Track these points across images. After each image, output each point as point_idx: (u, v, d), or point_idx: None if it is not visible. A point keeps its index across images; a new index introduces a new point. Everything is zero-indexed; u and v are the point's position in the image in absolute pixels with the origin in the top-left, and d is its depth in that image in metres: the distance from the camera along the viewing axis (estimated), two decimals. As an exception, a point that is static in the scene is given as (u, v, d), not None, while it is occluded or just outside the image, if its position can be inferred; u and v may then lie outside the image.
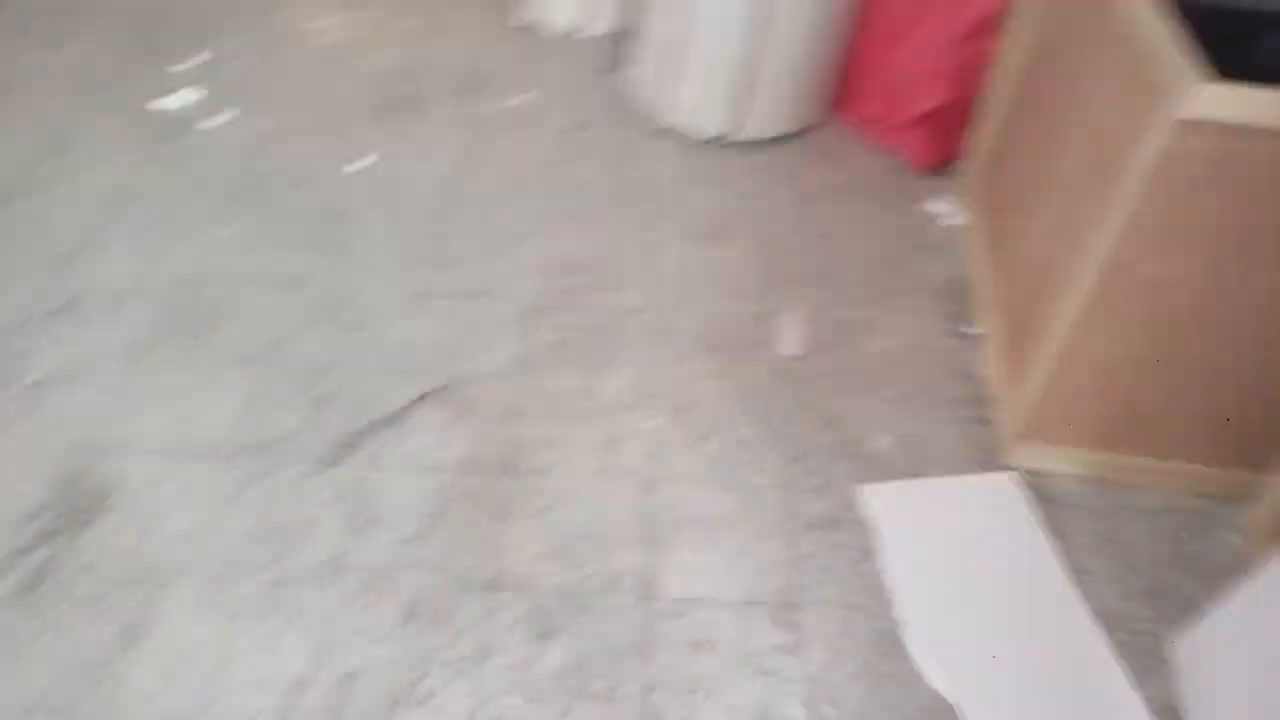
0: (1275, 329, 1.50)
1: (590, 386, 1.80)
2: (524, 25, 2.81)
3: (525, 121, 2.46)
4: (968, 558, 1.59)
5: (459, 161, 2.30)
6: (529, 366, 1.83)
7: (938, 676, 1.42)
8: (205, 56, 2.58)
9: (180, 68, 2.53)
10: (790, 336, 1.94)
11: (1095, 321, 1.53)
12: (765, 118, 2.40)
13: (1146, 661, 1.47)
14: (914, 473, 1.70)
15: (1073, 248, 1.59)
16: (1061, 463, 1.72)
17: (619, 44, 2.70)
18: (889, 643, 1.46)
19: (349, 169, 2.25)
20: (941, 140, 2.36)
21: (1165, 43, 1.36)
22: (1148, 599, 1.55)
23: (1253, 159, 1.33)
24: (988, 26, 2.18)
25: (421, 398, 1.74)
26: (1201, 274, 1.46)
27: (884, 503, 1.64)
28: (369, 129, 2.38)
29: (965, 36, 2.21)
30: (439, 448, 1.67)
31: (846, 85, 2.49)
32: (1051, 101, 1.83)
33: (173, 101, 2.41)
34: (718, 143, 2.42)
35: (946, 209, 2.29)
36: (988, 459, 1.74)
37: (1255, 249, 1.42)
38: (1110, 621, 1.51)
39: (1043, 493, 1.69)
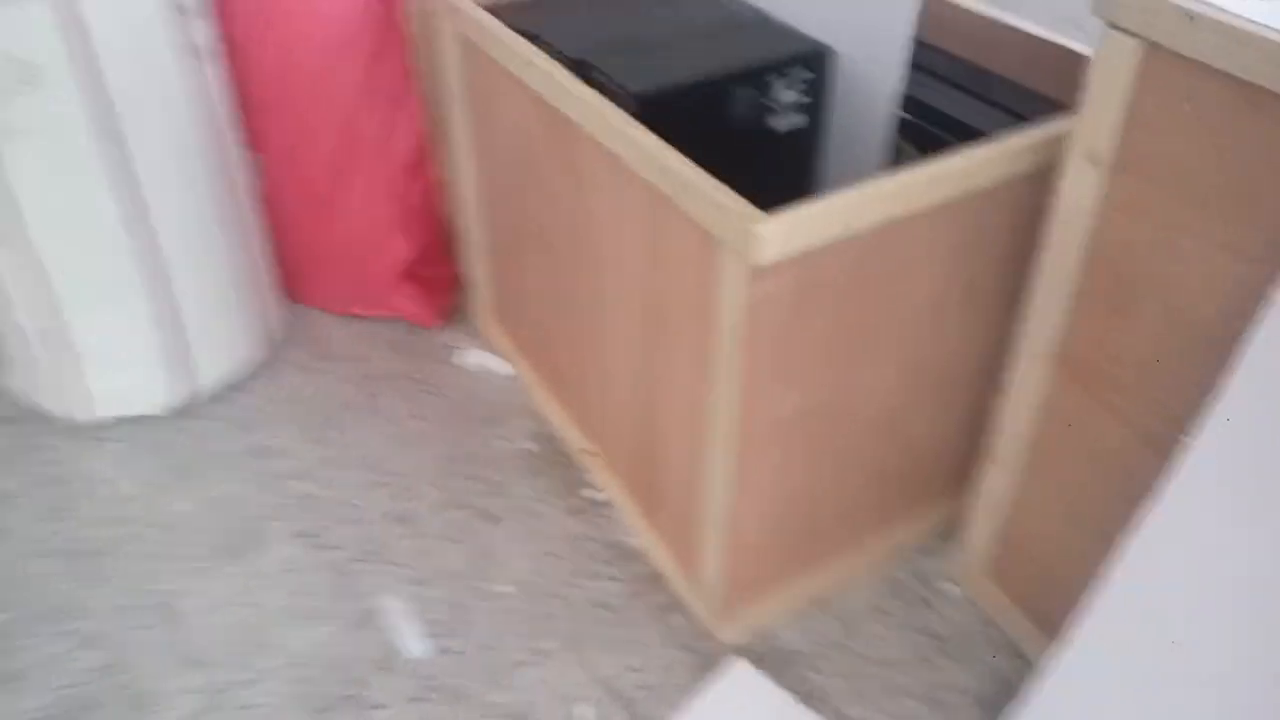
0: (900, 400, 1.37)
1: None
2: None
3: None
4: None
5: None
6: None
7: None
8: None
9: None
10: (407, 630, 1.48)
11: (748, 471, 1.28)
12: (220, 358, 1.85)
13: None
14: (645, 726, 1.36)
15: (684, 404, 1.32)
16: (774, 609, 1.48)
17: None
18: None
19: None
20: (436, 289, 2.00)
21: (707, 187, 1.10)
22: (939, 715, 1.38)
23: (830, 272, 1.14)
24: (422, 159, 1.83)
25: None
26: (825, 388, 1.26)
27: (640, 796, 1.28)
28: None
29: (404, 177, 1.84)
30: None
31: (304, 273, 2.01)
32: (563, 234, 1.53)
33: None
34: (176, 418, 1.83)
35: (483, 360, 1.93)
36: (705, 651, 1.45)
37: (860, 350, 1.26)
38: (922, 770, 1.32)
39: (776, 656, 1.44)
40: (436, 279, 1.99)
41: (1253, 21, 0.90)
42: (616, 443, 1.60)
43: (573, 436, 1.73)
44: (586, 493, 1.68)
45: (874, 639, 1.47)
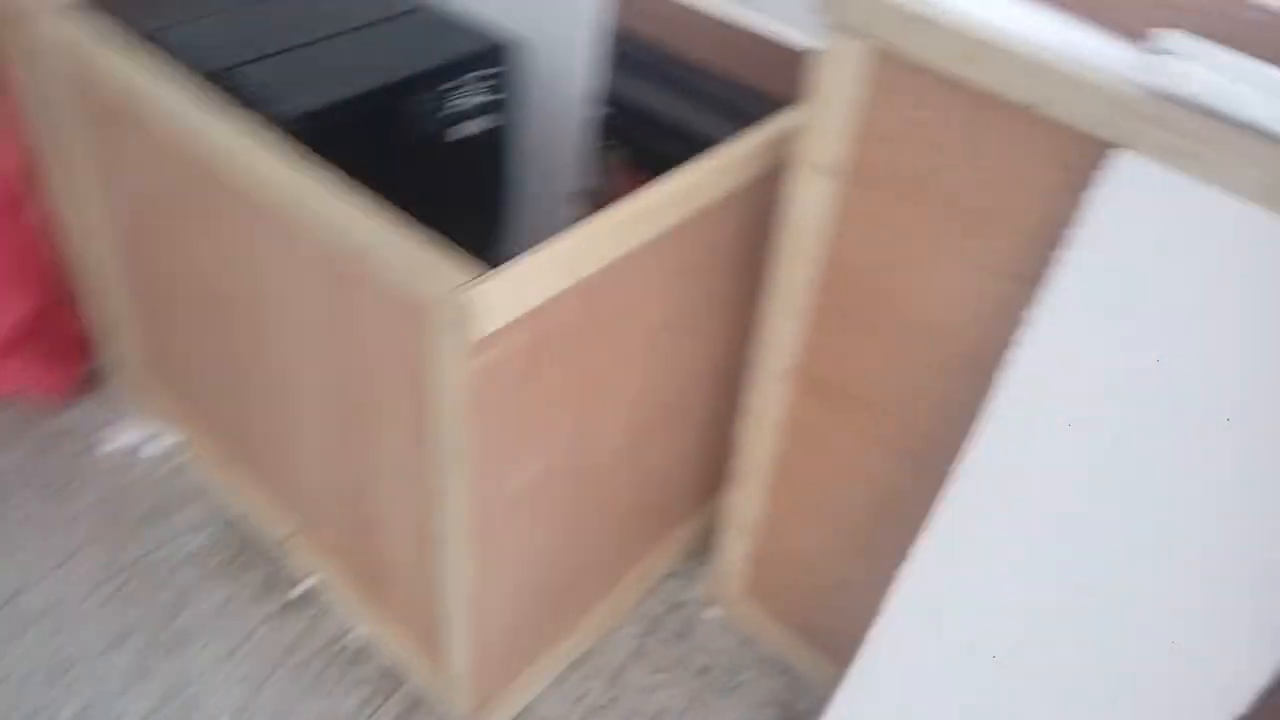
0: (640, 433, 1.25)
1: None
2: None
3: None
4: None
5: None
6: None
7: None
8: None
9: None
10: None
11: (486, 547, 1.10)
12: None
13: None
14: None
15: (403, 482, 1.11)
16: (533, 681, 1.33)
17: None
18: None
19: None
20: (62, 356, 1.61)
21: (403, 242, 0.89)
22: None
23: (559, 324, 0.97)
24: (24, 196, 1.44)
25: None
26: (565, 444, 1.11)
27: None
28: None
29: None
30: None
31: None
32: (228, 288, 1.24)
33: None
34: None
35: (137, 437, 1.58)
36: (462, 752, 1.26)
37: (596, 395, 1.11)
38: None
39: (543, 738, 1.29)
40: (61, 343, 1.60)
41: (983, 26, 0.83)
42: (323, 520, 1.35)
43: (266, 518, 1.46)
44: (293, 586, 1.42)
45: (642, 690, 1.35)
